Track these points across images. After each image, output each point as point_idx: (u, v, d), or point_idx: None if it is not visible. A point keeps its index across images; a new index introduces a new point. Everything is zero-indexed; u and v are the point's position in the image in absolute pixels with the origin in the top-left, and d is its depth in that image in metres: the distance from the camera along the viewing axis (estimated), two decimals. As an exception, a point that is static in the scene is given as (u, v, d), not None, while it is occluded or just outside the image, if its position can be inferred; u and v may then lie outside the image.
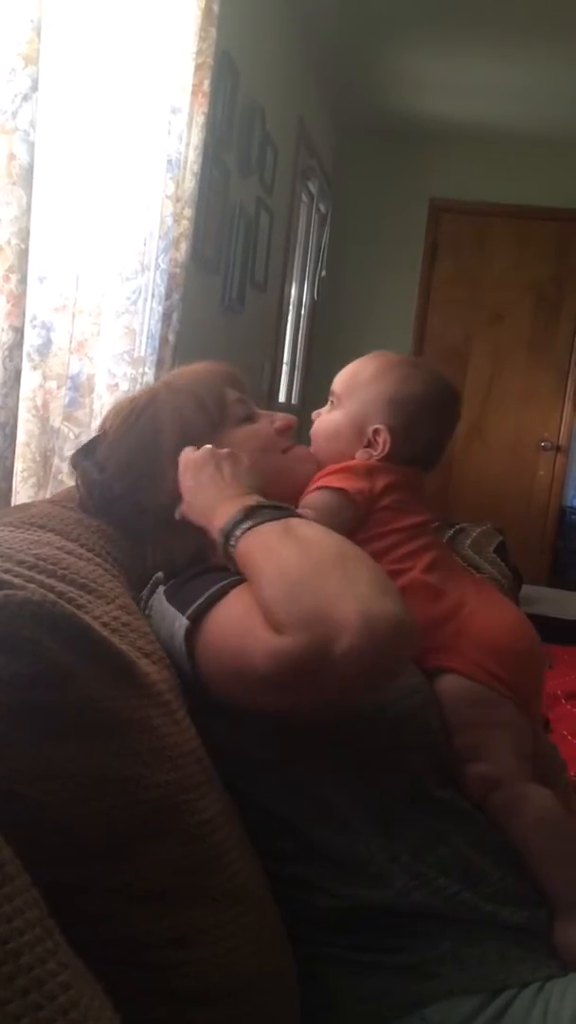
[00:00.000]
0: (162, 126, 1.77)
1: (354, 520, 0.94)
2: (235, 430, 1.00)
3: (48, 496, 1.32)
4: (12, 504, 1.29)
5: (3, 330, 1.21)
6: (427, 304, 4.70)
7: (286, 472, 1.00)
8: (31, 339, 1.38)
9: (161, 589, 0.91)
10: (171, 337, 1.93)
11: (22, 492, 1.38)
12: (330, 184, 4.47)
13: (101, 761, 0.63)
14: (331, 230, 4.48)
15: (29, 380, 1.38)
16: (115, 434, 1.00)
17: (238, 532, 0.80)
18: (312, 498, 0.95)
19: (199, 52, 1.89)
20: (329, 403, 1.04)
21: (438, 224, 4.65)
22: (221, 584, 0.82)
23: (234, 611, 0.79)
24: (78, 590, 0.77)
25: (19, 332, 1.23)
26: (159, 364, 1.86)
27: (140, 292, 1.73)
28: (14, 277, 1.21)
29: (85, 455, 1.02)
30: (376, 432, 0.98)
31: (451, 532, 2.52)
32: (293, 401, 4.22)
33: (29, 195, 1.22)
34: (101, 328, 1.61)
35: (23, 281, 1.23)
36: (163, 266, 1.81)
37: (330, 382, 1.05)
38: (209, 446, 0.93)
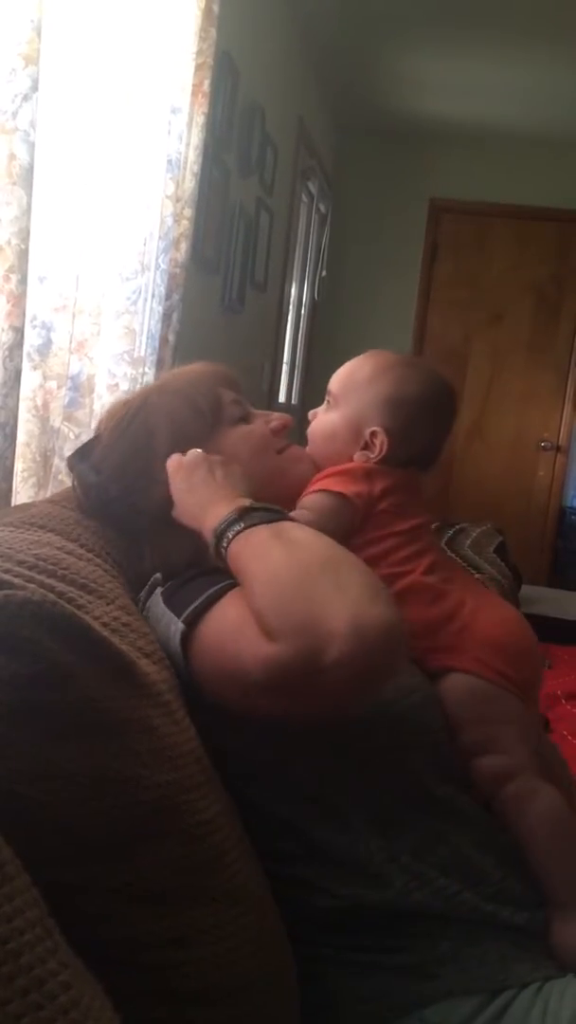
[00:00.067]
0: (162, 126, 1.77)
1: (353, 523, 0.94)
2: (230, 431, 1.00)
3: (48, 496, 1.32)
4: (12, 504, 1.29)
5: (3, 330, 1.21)
6: (427, 304, 4.70)
7: (281, 473, 1.00)
8: (31, 339, 1.38)
9: (159, 591, 0.91)
10: (171, 337, 1.93)
11: (22, 492, 1.38)
12: (330, 184, 4.47)
13: (101, 761, 0.63)
14: (331, 230, 4.48)
15: (29, 380, 1.38)
16: (109, 437, 1.01)
17: (230, 534, 0.80)
18: (311, 500, 0.95)
19: (199, 52, 1.89)
20: (325, 402, 1.04)
21: (438, 224, 4.65)
22: (216, 588, 0.82)
23: (228, 616, 0.79)
24: (78, 590, 0.77)
25: (19, 332, 1.23)
26: (159, 364, 1.86)
27: (140, 292, 1.73)
28: (14, 277, 1.21)
29: (81, 458, 1.02)
30: (373, 434, 0.98)
31: (451, 532, 2.52)
32: (293, 401, 4.22)
33: (29, 195, 1.22)
34: (101, 328, 1.61)
35: (23, 281, 1.23)
36: (163, 266, 1.81)
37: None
38: (199, 450, 0.93)
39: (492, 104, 3.98)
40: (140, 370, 1.76)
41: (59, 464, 1.48)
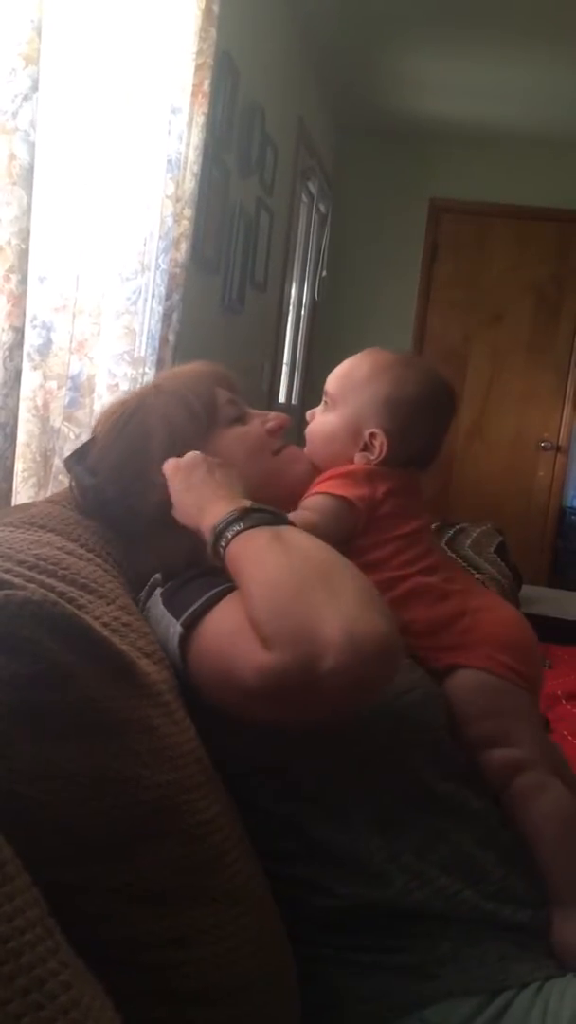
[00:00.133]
0: (162, 126, 1.77)
1: (355, 527, 0.94)
2: (225, 432, 1.00)
3: (48, 496, 1.32)
4: (12, 504, 1.29)
5: (3, 330, 1.21)
6: (427, 304, 4.70)
7: (278, 474, 1.00)
8: (31, 339, 1.38)
9: (159, 591, 0.91)
10: (171, 337, 1.93)
11: (22, 492, 1.38)
12: (330, 184, 4.47)
13: (101, 761, 0.63)
14: (331, 230, 4.48)
15: (29, 380, 1.38)
16: (105, 439, 1.01)
17: (229, 533, 0.80)
18: (314, 502, 0.95)
19: (199, 52, 1.89)
20: (323, 403, 1.04)
21: (438, 224, 4.65)
22: (214, 592, 0.82)
23: (225, 621, 0.79)
24: (78, 590, 0.77)
25: (19, 332, 1.23)
26: (159, 364, 1.85)
27: (140, 292, 1.73)
28: (14, 277, 1.21)
29: (77, 460, 1.02)
30: (372, 436, 0.98)
31: (451, 532, 2.52)
32: (293, 401, 4.22)
33: (29, 195, 1.22)
34: (101, 328, 1.61)
35: (23, 281, 1.23)
36: (163, 266, 1.81)
37: (330, 383, 1.05)
38: (198, 452, 0.93)
39: (492, 104, 3.98)
40: (140, 370, 1.76)
41: (59, 464, 1.47)
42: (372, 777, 0.84)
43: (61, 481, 1.45)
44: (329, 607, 0.70)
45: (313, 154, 3.94)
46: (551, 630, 2.19)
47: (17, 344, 1.23)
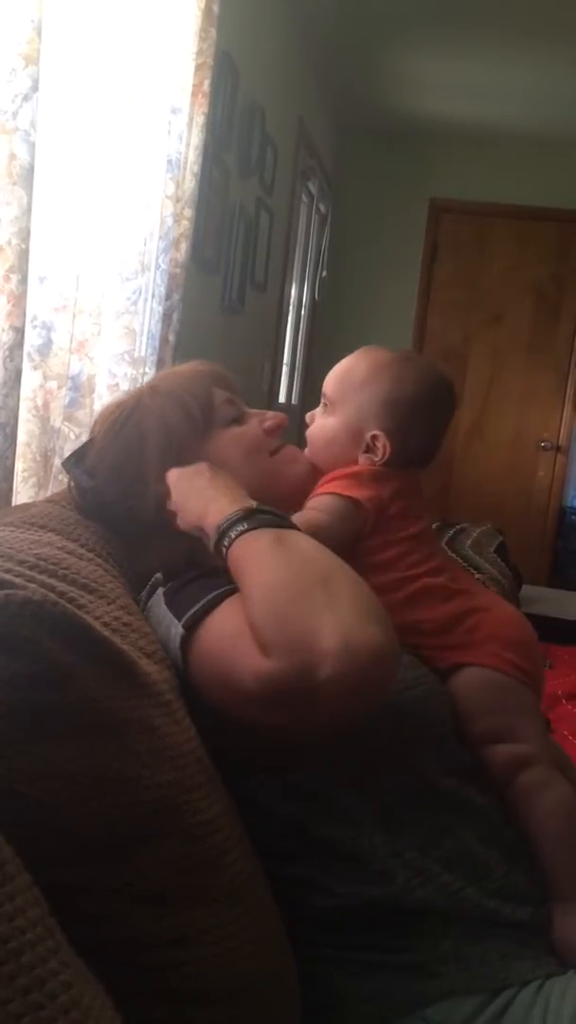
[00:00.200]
0: (162, 126, 1.77)
1: (364, 528, 0.94)
2: (222, 433, 1.00)
3: (48, 496, 1.32)
4: (12, 504, 1.29)
5: (4, 330, 1.21)
6: (427, 304, 4.70)
7: (275, 474, 1.00)
8: (31, 339, 1.38)
9: (160, 591, 0.91)
10: (171, 337, 1.93)
11: (23, 492, 1.38)
12: (330, 184, 4.47)
13: (101, 761, 0.63)
14: (331, 230, 4.48)
15: (30, 380, 1.38)
16: (102, 441, 1.01)
17: (232, 533, 0.80)
18: (322, 502, 0.95)
19: (199, 52, 1.89)
20: (322, 405, 1.04)
21: (438, 224, 4.65)
22: (215, 594, 0.82)
23: (225, 624, 0.79)
24: (79, 590, 0.77)
25: (20, 332, 1.23)
26: (159, 364, 1.86)
27: (140, 292, 1.73)
28: (15, 277, 1.21)
29: (75, 462, 1.02)
30: (375, 438, 0.98)
31: (451, 532, 2.52)
32: (293, 401, 4.22)
33: (29, 195, 1.22)
34: (101, 328, 1.61)
35: (23, 281, 1.23)
36: (163, 266, 1.81)
37: (330, 384, 1.04)
38: (205, 463, 0.93)
39: (492, 104, 3.98)
40: (140, 370, 1.76)
41: (59, 464, 1.47)
42: (375, 773, 0.84)
43: (61, 481, 1.45)
44: (327, 615, 0.70)
45: (313, 154, 3.94)
46: (551, 630, 2.19)
47: (17, 344, 1.23)
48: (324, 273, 4.43)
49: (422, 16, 3.20)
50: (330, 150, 4.44)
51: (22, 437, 1.35)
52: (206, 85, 1.93)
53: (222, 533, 0.81)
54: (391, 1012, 0.79)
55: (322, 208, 4.35)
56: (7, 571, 0.69)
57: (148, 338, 1.79)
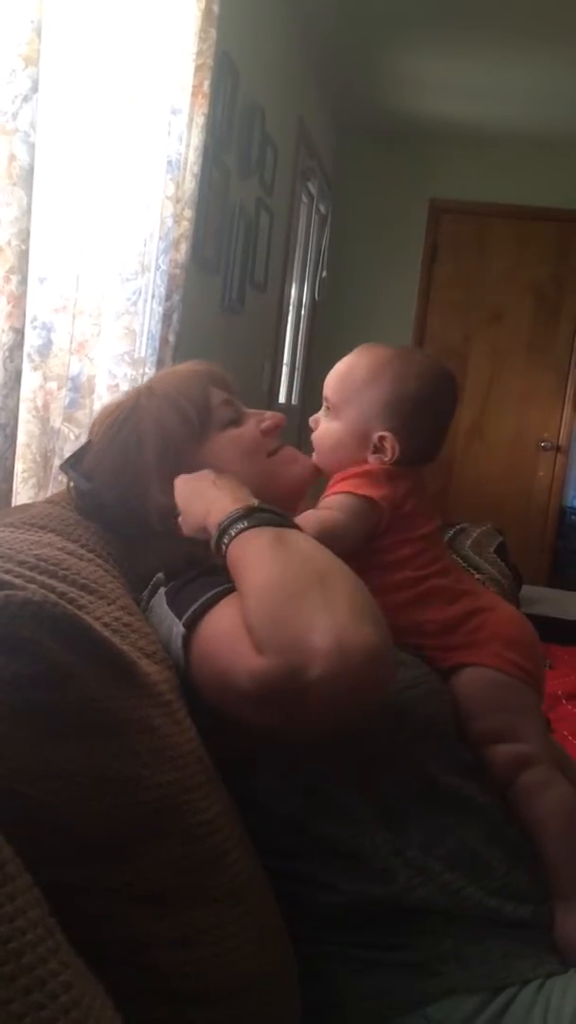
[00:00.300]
0: (162, 127, 1.77)
1: (378, 527, 0.94)
2: (219, 435, 1.00)
3: (48, 497, 1.32)
4: (12, 505, 1.30)
5: (3, 331, 1.21)
6: (427, 304, 4.71)
7: (273, 476, 1.00)
8: (31, 340, 1.38)
9: (162, 590, 0.91)
10: (171, 338, 1.93)
11: (22, 493, 1.38)
12: (330, 185, 4.47)
13: (101, 761, 0.63)
14: (331, 230, 4.48)
15: (29, 381, 1.38)
16: (99, 444, 1.01)
17: (232, 531, 0.80)
18: (337, 501, 0.94)
19: (199, 53, 1.90)
20: (324, 408, 1.03)
21: (438, 225, 4.65)
22: (213, 592, 0.82)
23: (223, 623, 0.79)
24: (79, 591, 0.77)
25: (19, 333, 1.23)
26: (159, 365, 1.86)
27: (140, 293, 1.73)
28: (14, 278, 1.21)
29: (73, 464, 1.03)
30: (382, 439, 0.97)
31: (451, 532, 2.52)
32: (293, 402, 4.22)
33: (29, 196, 1.22)
34: (101, 329, 1.61)
35: (23, 282, 1.23)
36: (163, 267, 1.81)
37: (330, 384, 1.04)
38: (208, 471, 0.93)
39: (492, 104, 3.98)
40: (140, 371, 1.76)
41: (59, 466, 1.48)
42: (376, 772, 0.84)
43: (61, 482, 1.45)
44: (321, 614, 0.70)
45: (313, 154, 3.94)
46: (551, 630, 2.19)
47: (17, 345, 1.23)
48: (324, 273, 4.43)
49: (422, 16, 3.20)
50: (330, 150, 4.44)
51: (22, 438, 1.35)
52: (206, 85, 1.93)
53: (222, 531, 0.81)
54: (392, 1010, 0.79)
55: (322, 208, 4.35)
56: (7, 572, 0.69)
57: (148, 339, 1.79)
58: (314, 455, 1.04)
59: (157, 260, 1.79)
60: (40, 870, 0.53)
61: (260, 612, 0.73)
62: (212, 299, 2.69)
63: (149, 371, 1.79)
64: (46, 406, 1.43)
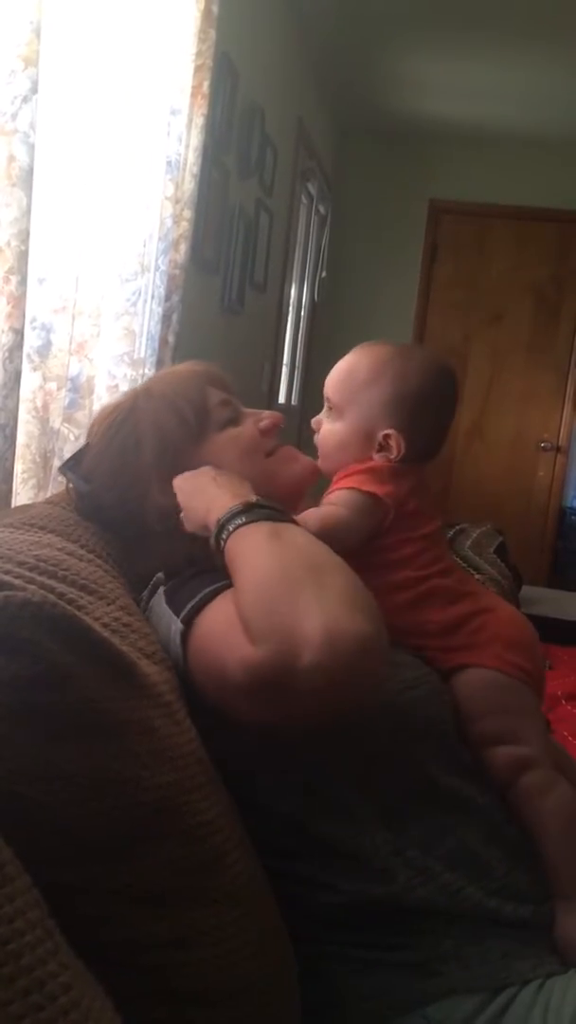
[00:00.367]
0: (161, 128, 1.77)
1: (383, 524, 0.94)
2: (217, 436, 1.00)
3: (47, 497, 1.32)
4: (12, 506, 1.30)
5: (3, 332, 1.21)
6: (427, 305, 4.71)
7: (271, 475, 1.00)
8: (31, 341, 1.38)
9: (162, 590, 0.91)
10: (171, 338, 1.93)
11: (22, 494, 1.38)
12: (330, 185, 4.47)
13: (100, 762, 0.63)
14: (331, 231, 4.49)
15: (29, 381, 1.38)
16: (97, 446, 1.01)
17: (231, 527, 0.80)
18: (342, 497, 0.94)
19: (198, 54, 1.89)
20: (326, 409, 1.03)
21: (438, 225, 4.66)
22: (211, 588, 0.83)
23: (218, 617, 0.79)
24: (79, 591, 0.77)
25: (19, 334, 1.23)
26: (159, 365, 1.85)
27: (140, 293, 1.73)
28: (14, 279, 1.21)
29: (72, 467, 1.03)
30: (387, 437, 0.97)
31: (451, 532, 2.52)
32: (293, 402, 4.22)
33: (29, 197, 1.22)
34: (101, 330, 1.61)
35: (23, 283, 1.23)
36: (163, 267, 1.81)
37: (330, 384, 1.04)
38: (209, 468, 0.93)
39: (492, 105, 3.98)
40: (140, 371, 1.76)
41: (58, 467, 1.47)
42: (376, 772, 0.84)
43: (61, 482, 1.45)
44: (314, 604, 0.70)
45: (313, 155, 3.94)
46: (551, 630, 2.19)
47: (17, 345, 1.23)
48: (324, 273, 4.43)
49: (422, 17, 3.20)
50: (330, 151, 4.44)
51: (21, 438, 1.35)
52: (205, 86, 1.93)
53: (221, 526, 0.81)
54: (392, 1010, 0.79)
55: (322, 209, 4.35)
56: (7, 572, 0.69)
57: (148, 339, 1.79)
58: (319, 458, 1.04)
59: (156, 261, 1.79)
60: (39, 871, 0.53)
61: (254, 604, 0.73)
62: (212, 300, 2.69)
63: (149, 372, 1.79)
64: (45, 407, 1.43)
